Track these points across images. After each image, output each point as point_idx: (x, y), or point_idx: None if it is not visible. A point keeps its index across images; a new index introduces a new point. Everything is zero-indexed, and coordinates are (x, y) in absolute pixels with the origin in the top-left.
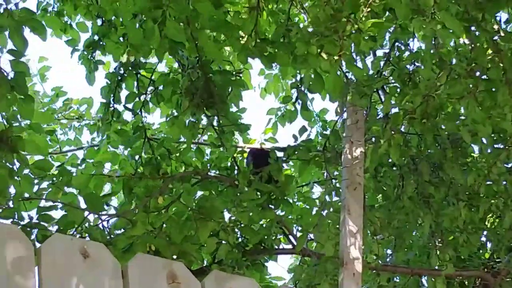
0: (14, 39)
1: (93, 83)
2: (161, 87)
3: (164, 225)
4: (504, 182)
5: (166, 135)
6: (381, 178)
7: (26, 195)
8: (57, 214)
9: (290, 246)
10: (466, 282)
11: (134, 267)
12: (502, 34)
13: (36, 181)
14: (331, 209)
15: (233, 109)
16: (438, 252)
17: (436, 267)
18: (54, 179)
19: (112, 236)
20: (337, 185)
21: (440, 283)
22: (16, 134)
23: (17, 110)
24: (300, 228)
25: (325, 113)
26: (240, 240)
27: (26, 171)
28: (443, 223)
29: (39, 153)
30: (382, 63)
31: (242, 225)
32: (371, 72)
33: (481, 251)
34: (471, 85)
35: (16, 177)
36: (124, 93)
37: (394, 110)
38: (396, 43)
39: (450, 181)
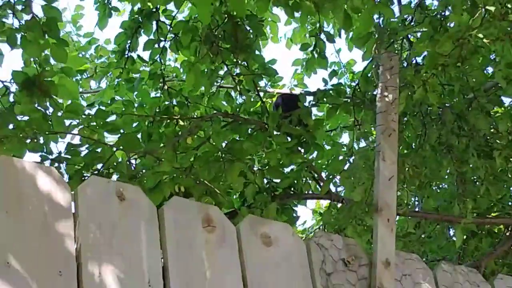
0: None
1: (104, 29)
2: (180, 34)
3: (193, 165)
4: None
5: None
6: (403, 127)
7: None
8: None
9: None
10: (496, 231)
11: (170, 211)
12: None
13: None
14: (358, 155)
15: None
16: (462, 201)
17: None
18: (90, 122)
19: (137, 173)
20: (365, 130)
21: (459, 231)
22: (48, 78)
23: (49, 54)
24: (328, 173)
25: (353, 65)
26: (269, 184)
27: (59, 114)
28: (466, 173)
29: (70, 97)
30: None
31: (271, 166)
32: (396, 20)
33: (510, 202)
34: (506, 28)
35: (49, 121)
36: (142, 41)
37: (426, 57)
38: None
39: (471, 131)
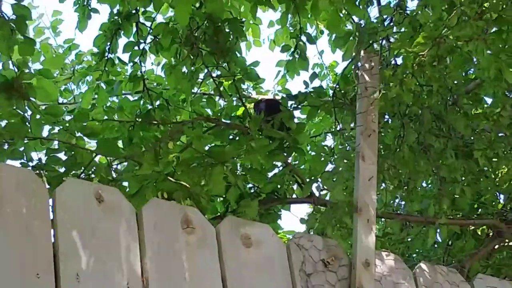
0: None
1: (83, 31)
2: (160, 36)
3: (175, 171)
4: None
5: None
6: (382, 128)
7: None
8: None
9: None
10: (480, 232)
11: (149, 212)
12: None
13: (48, 127)
14: (340, 156)
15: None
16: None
17: (451, 216)
18: (68, 125)
19: (117, 177)
20: (351, 133)
21: (432, 232)
22: (27, 81)
23: (28, 57)
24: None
25: (335, 66)
26: (253, 189)
27: (37, 117)
28: (442, 173)
29: (49, 99)
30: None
31: (252, 169)
32: (373, 21)
33: (494, 202)
34: (481, 28)
35: (27, 124)
36: (122, 42)
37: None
38: None
39: (449, 131)
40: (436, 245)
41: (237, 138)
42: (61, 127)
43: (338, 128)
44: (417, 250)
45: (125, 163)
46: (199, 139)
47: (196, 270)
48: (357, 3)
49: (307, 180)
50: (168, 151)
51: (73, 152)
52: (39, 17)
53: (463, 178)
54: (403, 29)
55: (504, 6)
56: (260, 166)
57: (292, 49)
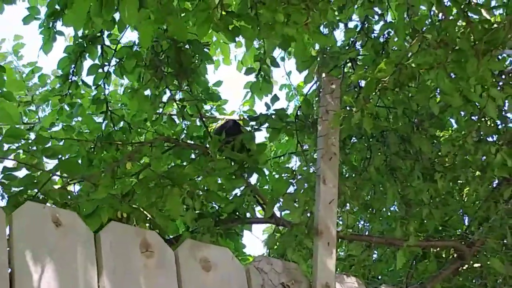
0: None
1: (48, 53)
2: (124, 59)
3: (134, 191)
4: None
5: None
6: (349, 150)
7: None
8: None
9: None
10: (444, 254)
11: (107, 236)
12: (474, 1)
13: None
14: (301, 178)
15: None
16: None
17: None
18: (30, 147)
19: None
20: (314, 155)
21: (401, 255)
22: None
23: None
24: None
25: (303, 87)
26: (214, 209)
27: None
28: (408, 195)
29: (11, 121)
30: (355, 34)
31: (210, 191)
32: (340, 43)
33: (458, 223)
34: (441, 56)
35: None
36: (86, 65)
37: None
38: (369, 16)
39: (416, 154)
40: (401, 267)
41: (197, 158)
42: (22, 148)
43: (301, 150)
44: (385, 272)
45: (81, 184)
46: (157, 160)
47: None
48: (322, 27)
49: (269, 200)
50: (126, 171)
51: (31, 171)
52: (1, 42)
53: (431, 201)
54: (366, 53)
55: (460, 37)
56: (220, 187)
57: (256, 72)
